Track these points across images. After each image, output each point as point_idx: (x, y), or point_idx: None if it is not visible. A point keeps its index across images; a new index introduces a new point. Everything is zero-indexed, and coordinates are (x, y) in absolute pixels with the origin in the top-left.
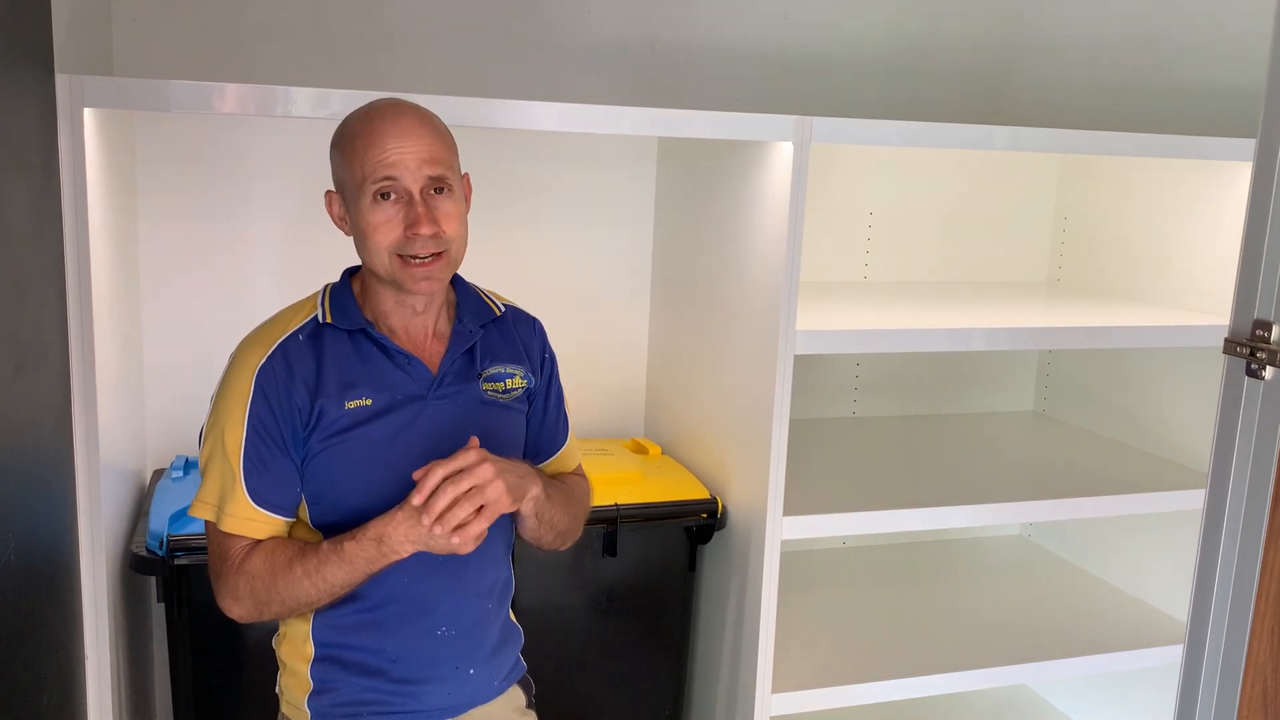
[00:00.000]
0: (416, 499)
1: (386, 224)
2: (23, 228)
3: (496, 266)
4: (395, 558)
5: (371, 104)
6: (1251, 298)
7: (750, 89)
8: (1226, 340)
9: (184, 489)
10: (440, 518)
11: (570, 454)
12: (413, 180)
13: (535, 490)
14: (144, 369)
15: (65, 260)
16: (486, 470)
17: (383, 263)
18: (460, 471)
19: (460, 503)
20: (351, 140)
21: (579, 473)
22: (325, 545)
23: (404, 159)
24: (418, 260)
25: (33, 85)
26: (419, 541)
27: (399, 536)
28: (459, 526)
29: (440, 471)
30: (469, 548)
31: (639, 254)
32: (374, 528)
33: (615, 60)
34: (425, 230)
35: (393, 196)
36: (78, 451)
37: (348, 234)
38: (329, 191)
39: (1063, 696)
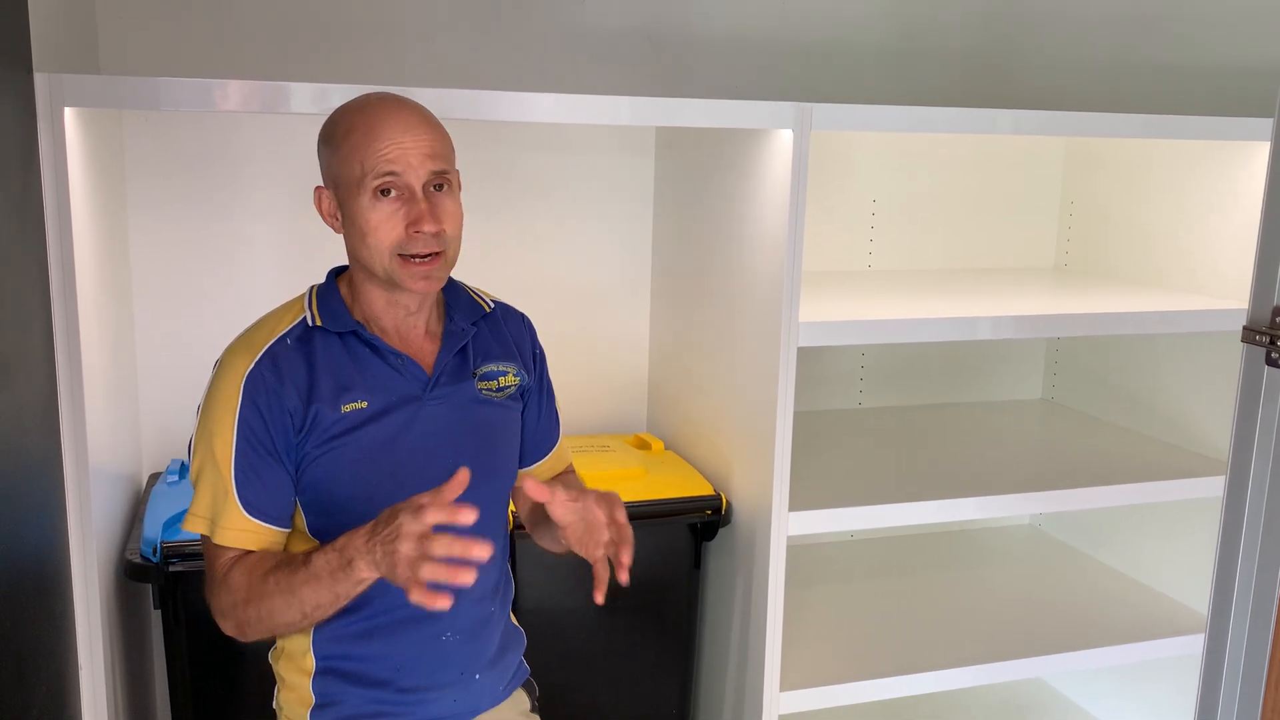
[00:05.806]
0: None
1: (388, 221)
2: (1, 231)
3: (494, 261)
4: (359, 576)
5: (365, 97)
6: (1271, 284)
7: (748, 77)
8: (1245, 328)
9: (179, 493)
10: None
11: (565, 449)
12: (415, 176)
13: None
14: (138, 371)
15: (48, 263)
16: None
17: (382, 262)
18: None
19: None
20: (348, 134)
21: (571, 471)
22: (298, 557)
23: (406, 154)
24: (418, 259)
25: (9, 85)
26: (378, 565)
27: (359, 549)
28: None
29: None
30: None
31: (639, 246)
32: (340, 539)
33: (612, 49)
34: (429, 228)
35: (394, 193)
36: (66, 458)
37: (339, 231)
38: (318, 188)
39: (1079, 689)
